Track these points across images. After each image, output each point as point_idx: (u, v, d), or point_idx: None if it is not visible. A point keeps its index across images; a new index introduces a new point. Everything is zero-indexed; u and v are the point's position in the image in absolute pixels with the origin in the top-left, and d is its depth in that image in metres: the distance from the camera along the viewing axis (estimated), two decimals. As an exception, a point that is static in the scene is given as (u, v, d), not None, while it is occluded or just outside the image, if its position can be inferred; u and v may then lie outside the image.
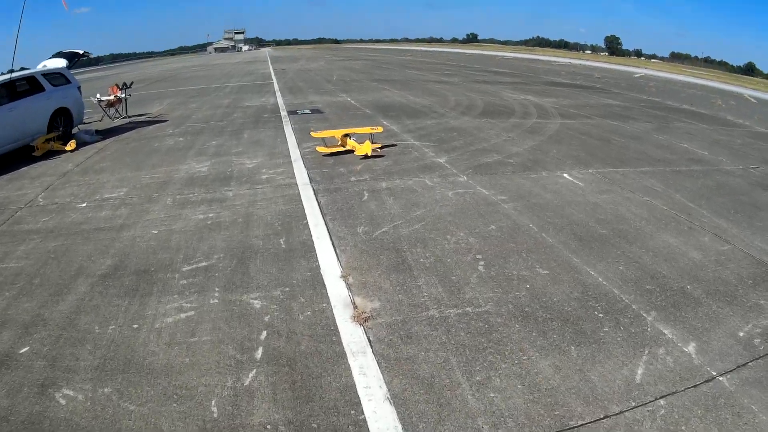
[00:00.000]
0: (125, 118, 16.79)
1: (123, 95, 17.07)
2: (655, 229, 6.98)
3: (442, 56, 67.35)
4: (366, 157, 10.00)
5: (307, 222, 6.78)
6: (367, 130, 10.93)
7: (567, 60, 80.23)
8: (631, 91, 29.62)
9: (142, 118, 16.67)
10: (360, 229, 6.56)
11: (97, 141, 13.04)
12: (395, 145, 11.36)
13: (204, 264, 5.64)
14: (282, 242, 6.16)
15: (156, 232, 6.64)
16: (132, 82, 18.80)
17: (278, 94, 22.21)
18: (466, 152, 10.86)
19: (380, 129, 11.49)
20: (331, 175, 8.99)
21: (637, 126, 15.88)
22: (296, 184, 8.51)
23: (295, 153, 10.69)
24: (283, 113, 16.35)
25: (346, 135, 10.61)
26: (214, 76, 35.37)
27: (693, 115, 20.04)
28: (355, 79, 29.86)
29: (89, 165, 10.60)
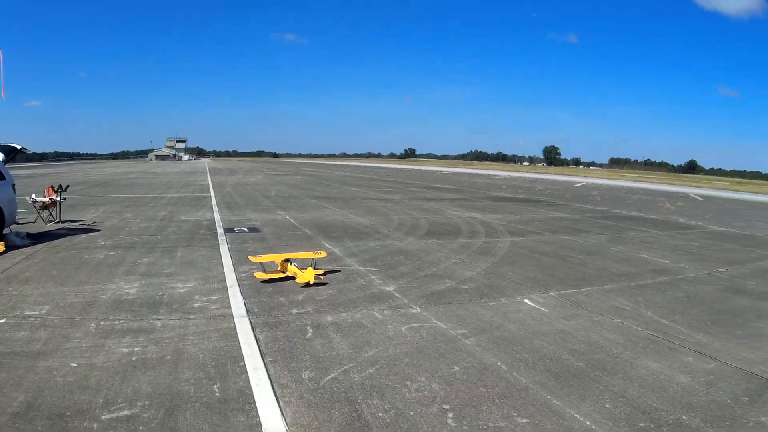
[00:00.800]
0: (58, 222, 15.86)
1: (58, 198, 16.23)
2: (634, 355, 6.71)
3: (381, 172, 69.63)
4: (308, 285, 9.47)
5: (245, 364, 6.08)
6: (309, 255, 10.49)
7: (506, 173, 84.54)
8: (576, 201, 31.13)
9: (76, 225, 15.77)
10: (305, 374, 5.88)
11: (27, 245, 12.16)
12: (339, 270, 10.93)
13: (126, 413, 4.83)
14: (216, 389, 5.43)
15: (75, 365, 5.78)
16: (68, 186, 18.03)
17: (215, 208, 21.81)
18: (416, 278, 10.54)
19: (323, 254, 11.08)
20: (271, 306, 8.36)
21: (590, 239, 16.29)
22: (232, 315, 7.84)
23: (231, 277, 10.09)
24: (220, 231, 15.83)
25: (287, 260, 10.13)
26: (152, 185, 34.84)
27: (644, 222, 21.02)
28: (294, 195, 30.03)
29: (14, 273, 9.72)
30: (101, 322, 7.27)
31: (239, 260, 11.61)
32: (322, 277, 10.02)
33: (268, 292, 9.20)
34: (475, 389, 5.68)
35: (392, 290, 9.68)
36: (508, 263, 12.39)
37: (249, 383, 5.61)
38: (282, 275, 10.00)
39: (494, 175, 69.13)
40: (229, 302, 8.51)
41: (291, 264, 10.05)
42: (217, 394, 5.33)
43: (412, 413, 5.09)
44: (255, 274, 10.03)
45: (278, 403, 5.20)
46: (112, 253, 11.98)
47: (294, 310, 8.23)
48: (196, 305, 8.29)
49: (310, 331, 7.34)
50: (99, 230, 15.10)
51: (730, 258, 14.41)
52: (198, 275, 10.19)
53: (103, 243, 13.15)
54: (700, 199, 35.29)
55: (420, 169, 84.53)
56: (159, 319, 7.55)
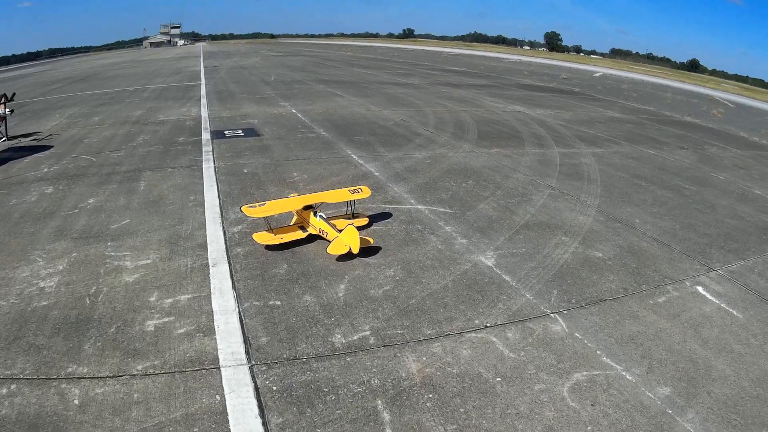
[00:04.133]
0: (4, 140, 11.52)
1: (4, 112, 11.71)
2: None
3: (384, 51, 63.25)
4: (349, 256, 5.62)
5: None
6: (344, 196, 6.46)
7: (515, 56, 79.19)
8: (614, 95, 26.47)
9: (27, 141, 11.45)
10: None
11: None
12: (390, 215, 7.04)
13: None
14: None
15: None
16: (14, 94, 13.24)
17: (204, 101, 17.17)
18: (517, 233, 6.83)
19: (366, 192, 6.74)
20: (293, 327, 4.48)
21: (678, 157, 12.42)
22: (218, 357, 4.00)
23: (216, 241, 6.10)
24: (206, 136, 11.59)
25: (309, 207, 6.13)
26: (137, 75, 28.77)
27: (712, 135, 16.73)
28: (297, 80, 24.84)
29: None
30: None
31: (231, 195, 7.64)
32: (371, 240, 6.03)
33: (282, 278, 5.28)
34: None
35: (494, 264, 5.83)
36: (619, 197, 8.75)
37: None
38: (302, 235, 6.04)
39: (504, 59, 62.43)
40: (211, 314, 4.60)
41: (316, 215, 6.03)
42: None
43: None
44: (255, 236, 5.96)
45: None
46: (50, 190, 7.93)
47: (338, 335, 4.34)
48: (149, 327, 4.38)
49: (380, 401, 3.55)
50: (51, 147, 10.86)
51: None
52: (162, 236, 6.22)
53: (46, 170, 9.03)
54: (731, 105, 30.35)
55: (424, 49, 76.95)
56: (77, 384, 3.74)
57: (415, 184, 8.50)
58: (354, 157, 9.98)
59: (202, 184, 8.15)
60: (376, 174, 8.90)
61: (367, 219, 6.66)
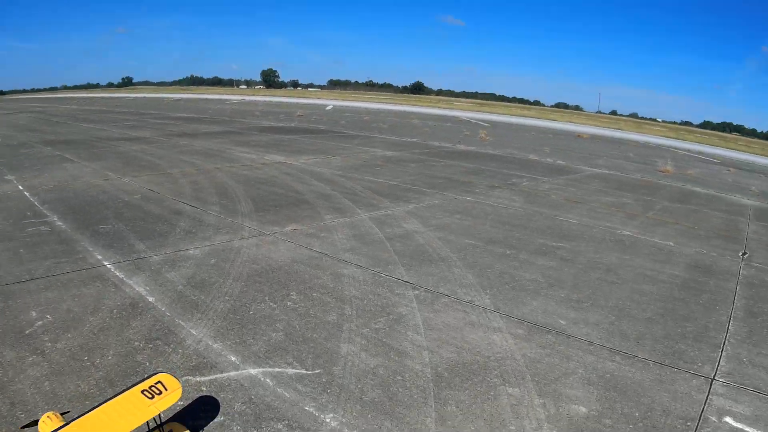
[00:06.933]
0: None
1: None
2: None
3: (108, 102, 59.71)
4: None
5: None
6: (139, 409, 3.57)
7: (238, 97, 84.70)
8: (360, 128, 26.63)
9: None
10: None
11: None
12: (215, 406, 4.51)
13: None
14: None
15: None
16: None
17: None
18: (444, 404, 4.62)
19: (173, 388, 3.77)
20: None
21: (503, 201, 11.95)
22: None
23: None
24: None
25: None
26: None
27: (502, 163, 16.78)
28: (23, 142, 20.07)
29: None
30: None
31: None
32: None
33: None
34: None
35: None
36: (505, 285, 7.38)
37: None
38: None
39: (227, 100, 62.55)
40: None
41: None
42: None
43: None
44: None
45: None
46: None
47: None
48: None
49: None
50: None
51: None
52: None
53: None
54: (485, 124, 34.33)
55: (144, 96, 72.93)
56: None
57: (217, 315, 6.08)
58: (107, 265, 7.42)
59: None
60: (150, 299, 6.41)
61: None
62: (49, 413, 3.82)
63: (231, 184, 12.82)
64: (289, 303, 6.48)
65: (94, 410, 3.55)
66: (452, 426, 4.25)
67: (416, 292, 6.91)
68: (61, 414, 3.90)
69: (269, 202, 11.38)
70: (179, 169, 14.50)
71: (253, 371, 4.95)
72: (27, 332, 5.53)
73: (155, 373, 3.88)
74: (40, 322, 5.76)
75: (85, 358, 5.08)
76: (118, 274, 7.17)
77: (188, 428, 3.96)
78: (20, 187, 11.71)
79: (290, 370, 4.97)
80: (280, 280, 7.18)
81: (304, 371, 4.95)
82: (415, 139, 23.47)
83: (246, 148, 18.87)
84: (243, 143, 20.21)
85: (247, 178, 13.65)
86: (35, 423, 3.80)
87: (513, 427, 4.26)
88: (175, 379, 3.83)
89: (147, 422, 3.68)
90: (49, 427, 3.64)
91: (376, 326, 5.89)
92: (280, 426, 4.19)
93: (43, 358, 5.05)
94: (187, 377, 4.79)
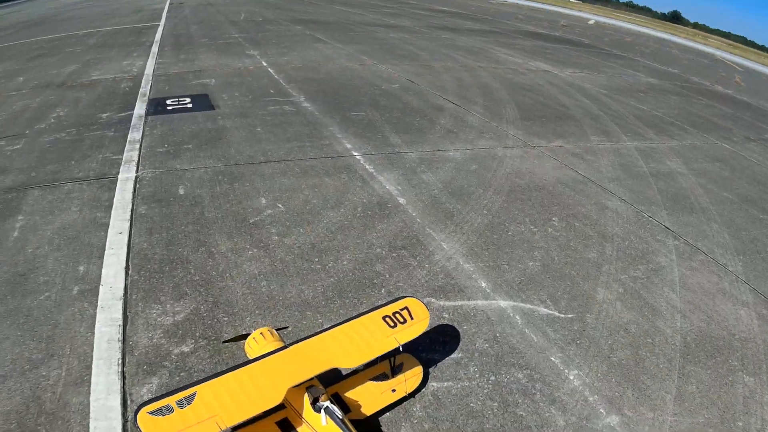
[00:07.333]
0: None
1: None
2: None
3: None
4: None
5: None
6: (378, 341, 2.84)
7: None
8: (622, 49, 22.99)
9: None
10: None
11: None
12: (453, 332, 3.69)
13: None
14: None
15: None
16: None
17: (155, 48, 12.85)
18: (686, 380, 3.64)
19: (421, 317, 3.06)
20: None
21: (757, 156, 9.35)
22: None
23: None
24: (139, 110, 7.80)
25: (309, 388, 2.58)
26: (93, 16, 22.16)
27: (755, 114, 13.38)
28: (270, 19, 19.95)
29: None
30: None
31: (145, 265, 4.19)
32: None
33: None
34: None
35: None
36: (758, 254, 5.61)
37: None
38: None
39: None
40: None
41: (319, 410, 2.50)
42: None
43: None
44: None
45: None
46: None
47: None
48: None
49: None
50: None
51: None
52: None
53: None
54: (739, 68, 26.95)
55: None
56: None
57: (473, 230, 5.07)
58: (356, 155, 6.48)
59: (106, 231, 4.54)
60: (401, 201, 5.41)
61: (420, 371, 3.17)
62: (263, 329, 2.93)
63: (495, 85, 11.12)
64: (550, 229, 5.33)
65: (317, 336, 2.77)
66: (688, 409, 3.38)
67: (676, 242, 5.57)
68: (277, 330, 3.03)
69: (534, 111, 9.62)
70: (441, 63, 13.17)
71: (503, 303, 4.15)
72: (252, 221, 4.76)
73: (402, 297, 3.19)
74: (269, 211, 4.93)
75: (316, 260, 4.31)
76: (367, 167, 6.13)
77: (420, 362, 3.22)
78: (264, 63, 11.43)
79: (542, 309, 4.16)
80: (543, 201, 5.92)
81: (557, 313, 4.14)
82: (675, 70, 19.06)
83: (510, 50, 16.78)
84: (506, 45, 18.12)
85: (511, 82, 11.79)
86: (242, 338, 2.99)
87: (740, 423, 3.35)
88: (423, 306, 3.15)
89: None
90: (262, 347, 2.79)
91: (635, 274, 4.84)
92: (520, 376, 3.46)
93: (266, 253, 4.20)
94: (429, 299, 3.98)
